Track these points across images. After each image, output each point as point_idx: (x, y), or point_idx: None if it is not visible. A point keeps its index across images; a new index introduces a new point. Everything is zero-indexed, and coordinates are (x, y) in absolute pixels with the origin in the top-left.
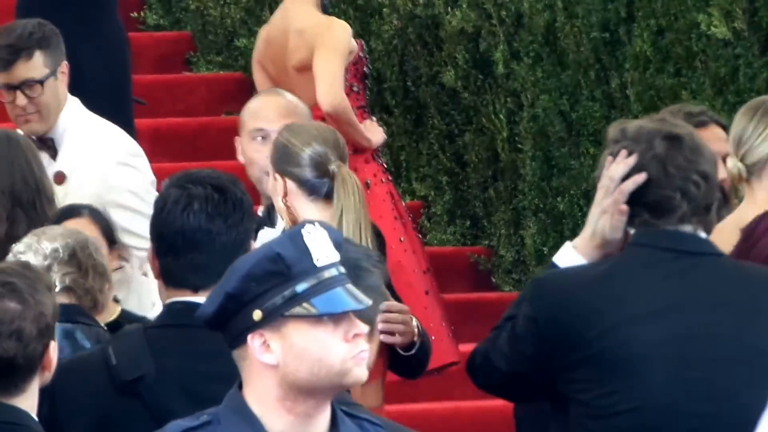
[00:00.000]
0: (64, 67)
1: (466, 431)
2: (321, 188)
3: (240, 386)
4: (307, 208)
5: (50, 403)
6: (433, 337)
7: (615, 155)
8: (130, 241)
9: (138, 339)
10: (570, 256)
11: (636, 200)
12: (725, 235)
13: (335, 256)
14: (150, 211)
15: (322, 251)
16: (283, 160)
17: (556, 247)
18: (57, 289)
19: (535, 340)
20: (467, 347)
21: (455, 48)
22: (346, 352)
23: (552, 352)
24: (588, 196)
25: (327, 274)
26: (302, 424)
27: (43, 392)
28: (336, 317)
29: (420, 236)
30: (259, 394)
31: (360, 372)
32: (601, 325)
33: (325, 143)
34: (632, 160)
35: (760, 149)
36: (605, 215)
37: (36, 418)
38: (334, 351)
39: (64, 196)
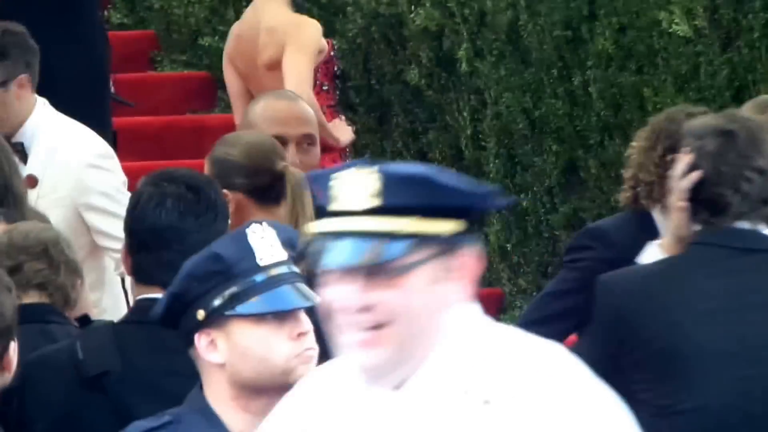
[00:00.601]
0: (24, 80)
1: None
2: (271, 193)
3: (201, 384)
4: (259, 216)
5: (19, 396)
6: None
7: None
8: (104, 242)
9: (106, 335)
10: (655, 254)
11: (695, 198)
12: None
13: (282, 255)
14: (123, 211)
15: (268, 250)
16: (226, 175)
17: (519, 244)
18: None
19: (599, 340)
20: None
21: (419, 46)
22: (290, 350)
23: (616, 351)
24: (551, 193)
25: (272, 272)
26: (261, 421)
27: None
28: (281, 316)
29: None
30: (214, 393)
31: (305, 370)
32: (663, 323)
33: (265, 147)
34: (690, 158)
35: None
36: (672, 213)
37: None
38: (277, 350)
39: (35, 199)
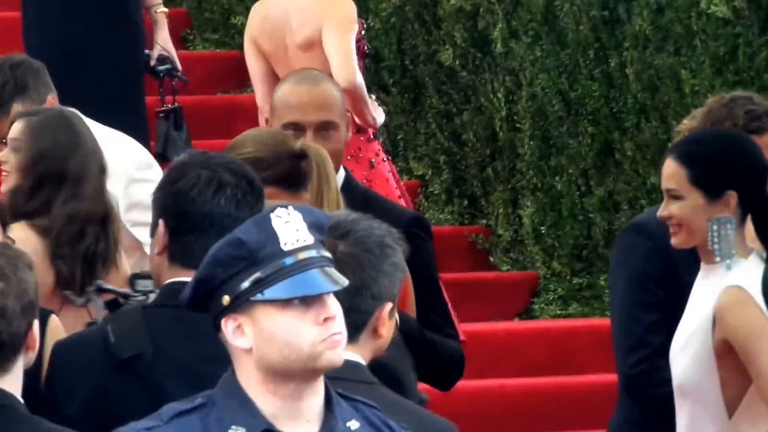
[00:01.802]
0: (51, 100)
1: (463, 410)
2: (297, 176)
3: (233, 369)
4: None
5: (48, 380)
6: None
7: None
8: None
9: (136, 318)
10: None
11: None
12: None
13: (309, 238)
14: None
15: (293, 234)
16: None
17: (553, 227)
18: None
19: None
20: (465, 327)
21: (453, 26)
22: (316, 335)
23: None
24: (586, 176)
25: (298, 257)
26: (291, 407)
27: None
28: (307, 300)
29: None
30: (245, 377)
31: (332, 355)
32: None
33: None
34: None
35: None
36: None
37: (21, 400)
38: (303, 334)
39: None
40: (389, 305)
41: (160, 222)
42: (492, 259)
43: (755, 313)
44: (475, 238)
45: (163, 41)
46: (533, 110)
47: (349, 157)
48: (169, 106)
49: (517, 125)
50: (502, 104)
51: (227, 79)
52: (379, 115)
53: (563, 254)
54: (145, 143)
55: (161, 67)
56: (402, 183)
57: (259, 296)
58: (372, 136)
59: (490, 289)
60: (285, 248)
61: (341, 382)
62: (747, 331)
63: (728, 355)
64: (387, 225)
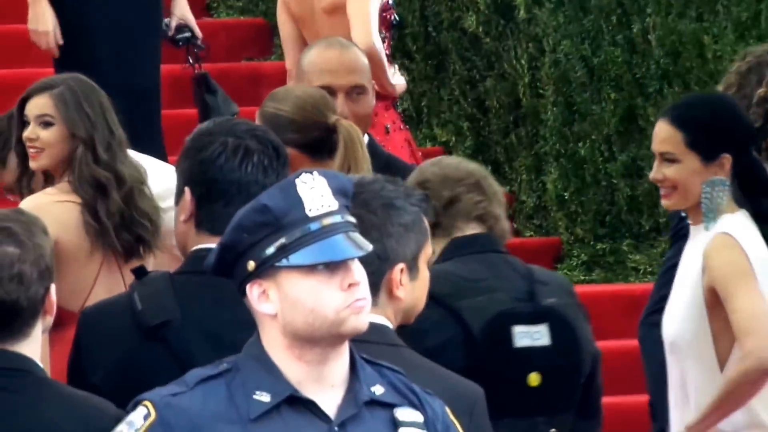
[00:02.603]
0: None
1: None
2: (323, 146)
3: (259, 334)
4: None
5: (75, 348)
6: None
7: None
8: None
9: (163, 285)
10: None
11: None
12: None
13: (334, 204)
14: None
15: (318, 200)
16: (277, 130)
17: (577, 193)
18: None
19: None
20: None
21: None
22: (340, 301)
23: None
24: (609, 141)
25: (323, 222)
26: (316, 371)
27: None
28: (332, 266)
29: None
30: (270, 342)
31: (357, 321)
32: None
33: (315, 101)
34: None
35: None
36: None
37: (41, 364)
38: (327, 300)
39: None
40: (400, 266)
41: (186, 190)
42: (515, 225)
43: (739, 257)
44: None
45: (180, 10)
46: (556, 76)
47: None
48: (196, 72)
49: (540, 91)
50: (526, 71)
51: (252, 46)
52: (398, 83)
53: (586, 220)
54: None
55: (180, 36)
56: (420, 151)
57: (284, 262)
58: (390, 104)
59: (514, 254)
60: (310, 214)
61: (366, 345)
62: (727, 271)
63: (718, 306)
64: (404, 187)
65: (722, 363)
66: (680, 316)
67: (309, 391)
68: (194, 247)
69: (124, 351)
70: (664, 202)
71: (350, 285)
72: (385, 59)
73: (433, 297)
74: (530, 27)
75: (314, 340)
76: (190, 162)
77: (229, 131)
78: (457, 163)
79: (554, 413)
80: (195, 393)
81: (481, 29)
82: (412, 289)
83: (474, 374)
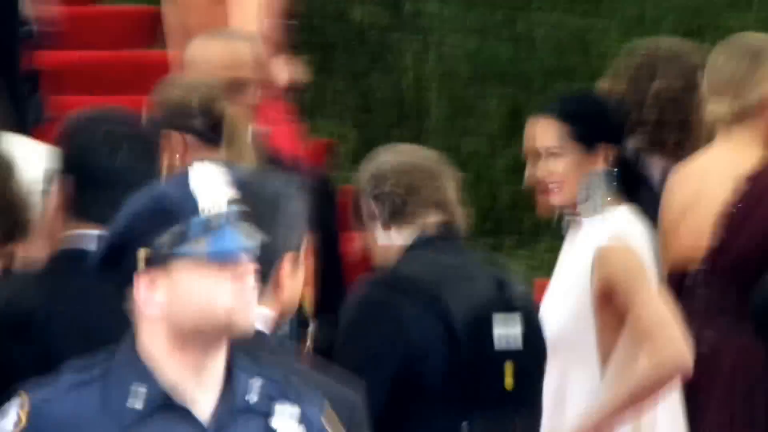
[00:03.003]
0: None
1: None
2: (213, 134)
3: (134, 336)
4: (202, 157)
5: None
6: None
7: None
8: None
9: (27, 280)
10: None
11: None
12: (714, 179)
13: (227, 195)
14: None
15: (212, 191)
16: (173, 116)
17: (462, 188)
18: None
19: None
20: None
21: None
22: (232, 294)
23: None
24: (494, 137)
25: (216, 213)
26: (195, 371)
27: None
28: (223, 257)
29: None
30: (150, 341)
31: (246, 315)
32: None
33: (206, 89)
34: None
35: (754, 94)
36: None
37: None
38: (218, 293)
39: None
40: (288, 257)
41: (58, 177)
42: None
43: (635, 259)
44: None
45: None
46: (442, 71)
47: None
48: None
49: (426, 86)
50: (411, 65)
51: (136, 35)
52: (285, 74)
53: (469, 216)
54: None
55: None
56: (307, 144)
57: (178, 251)
58: (278, 96)
59: None
60: (205, 204)
61: (245, 349)
62: (625, 276)
63: (605, 303)
64: (285, 176)
65: (601, 363)
66: (564, 316)
67: (185, 393)
68: (65, 234)
69: None
70: (552, 200)
71: (242, 277)
72: (268, 51)
73: (417, 285)
74: (416, 21)
75: (200, 336)
76: (62, 149)
77: (101, 119)
78: (413, 150)
79: (520, 405)
80: (67, 400)
81: (367, 22)
82: (296, 281)
83: (455, 365)
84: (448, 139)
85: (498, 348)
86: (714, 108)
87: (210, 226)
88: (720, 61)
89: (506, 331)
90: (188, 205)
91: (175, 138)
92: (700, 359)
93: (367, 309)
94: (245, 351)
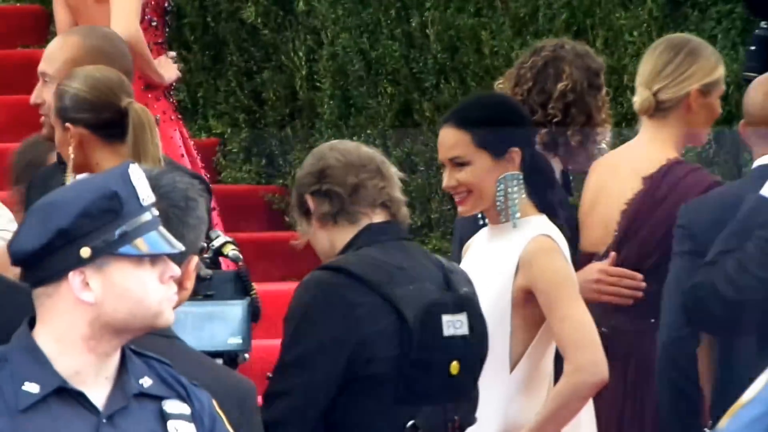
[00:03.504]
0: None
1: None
2: (115, 129)
3: (30, 326)
4: (103, 152)
5: None
6: None
7: None
8: None
9: None
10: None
11: None
12: (622, 174)
13: (153, 197)
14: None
15: (146, 191)
16: (70, 108)
17: None
18: None
19: None
20: (259, 287)
21: None
22: (162, 294)
23: None
24: (385, 136)
25: (150, 215)
26: (99, 363)
27: None
28: (153, 259)
29: (208, 176)
30: (61, 332)
31: (170, 315)
32: None
33: (110, 82)
34: None
35: (677, 88)
36: None
37: None
38: (152, 292)
39: None
40: (195, 258)
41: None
42: (288, 219)
43: (563, 263)
44: (272, 197)
45: None
46: (334, 69)
47: None
48: None
49: (318, 84)
50: (303, 63)
51: (28, 34)
52: (170, 72)
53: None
54: None
55: None
56: (194, 142)
57: (121, 250)
58: (162, 94)
59: (286, 248)
60: (144, 204)
61: (142, 336)
62: (553, 277)
63: (524, 306)
64: (189, 177)
65: (512, 363)
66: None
67: (81, 383)
68: None
69: None
70: (461, 209)
71: (169, 277)
72: (147, 49)
73: (366, 284)
74: (309, 19)
75: (126, 331)
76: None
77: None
78: (355, 147)
79: (462, 400)
80: None
81: (259, 20)
82: (193, 279)
83: (405, 363)
84: (339, 137)
85: (445, 344)
86: (641, 98)
87: (149, 227)
88: (655, 54)
89: (453, 330)
90: (131, 205)
91: (72, 131)
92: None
93: (320, 296)
94: (143, 336)
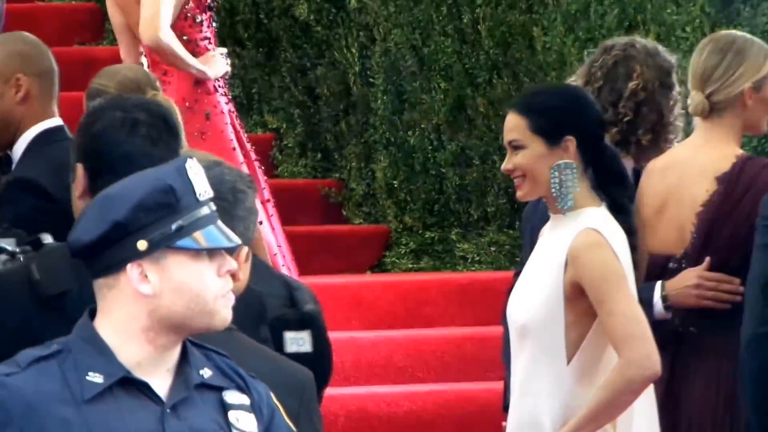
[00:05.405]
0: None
1: None
2: None
3: (91, 317)
4: None
5: None
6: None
7: None
8: None
9: (61, 255)
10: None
11: None
12: (690, 175)
13: (211, 192)
14: None
15: (203, 185)
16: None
17: (406, 181)
18: None
19: None
20: (317, 280)
21: None
22: (219, 288)
23: None
24: (439, 131)
25: (207, 209)
26: (159, 356)
27: None
28: (211, 253)
29: (263, 168)
30: (122, 323)
31: (228, 312)
32: None
33: (136, 77)
34: None
35: (729, 90)
36: None
37: None
38: (209, 287)
39: None
40: (245, 249)
41: (78, 166)
42: (345, 213)
43: (610, 256)
44: (328, 191)
45: None
46: (387, 65)
47: (185, 108)
48: None
49: (371, 80)
50: (356, 59)
51: (84, 31)
52: (216, 67)
53: (415, 208)
54: None
55: None
56: (250, 137)
57: (178, 244)
58: (212, 88)
59: (343, 242)
60: (200, 198)
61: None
62: (601, 272)
63: (576, 299)
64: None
65: (569, 355)
66: (537, 303)
67: (144, 374)
68: None
69: (20, 321)
70: (518, 194)
71: (227, 271)
72: (178, 47)
73: None
74: (361, 16)
75: (183, 326)
76: (81, 138)
77: (117, 106)
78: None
79: None
80: (28, 373)
81: (312, 17)
82: (246, 270)
83: None
84: (393, 132)
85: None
86: (694, 102)
87: (206, 221)
88: (704, 55)
89: (297, 347)
90: (187, 199)
91: None
92: (688, 339)
93: None
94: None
